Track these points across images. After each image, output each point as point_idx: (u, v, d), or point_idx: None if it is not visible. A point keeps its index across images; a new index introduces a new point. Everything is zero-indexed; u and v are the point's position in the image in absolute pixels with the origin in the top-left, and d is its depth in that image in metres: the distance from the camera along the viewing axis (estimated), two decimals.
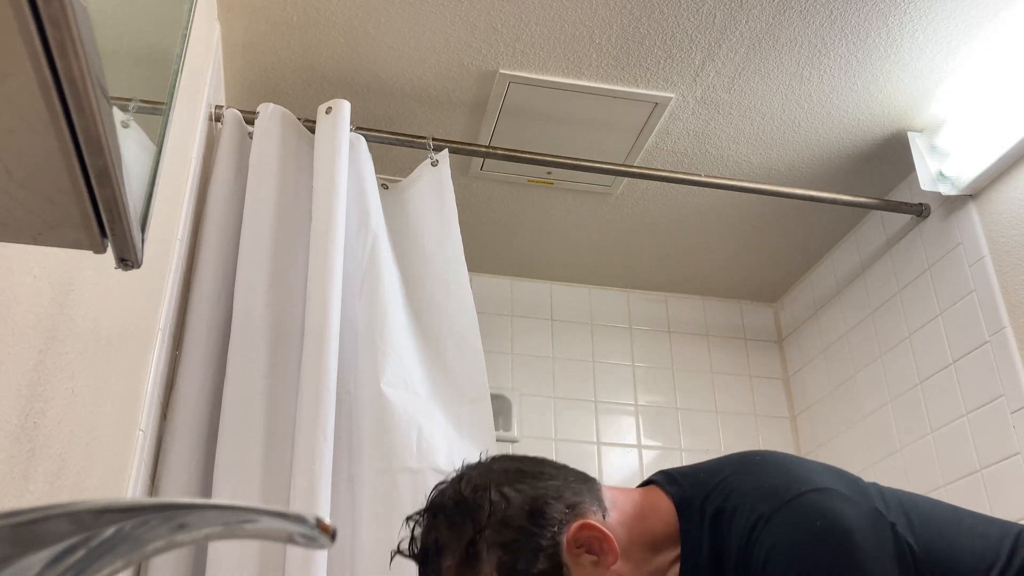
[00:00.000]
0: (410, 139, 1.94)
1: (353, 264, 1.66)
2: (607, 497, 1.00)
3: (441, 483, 1.00)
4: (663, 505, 1.00)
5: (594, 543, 0.94)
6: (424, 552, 0.95)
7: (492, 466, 0.99)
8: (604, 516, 0.97)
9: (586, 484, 1.00)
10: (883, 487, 1.00)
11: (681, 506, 0.99)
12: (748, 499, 0.94)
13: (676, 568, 0.99)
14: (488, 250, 2.60)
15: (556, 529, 0.93)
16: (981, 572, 0.92)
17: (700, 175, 2.14)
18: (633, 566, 0.96)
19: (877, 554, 0.88)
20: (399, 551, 0.98)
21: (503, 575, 0.91)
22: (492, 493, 0.94)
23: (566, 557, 0.93)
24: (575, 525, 0.94)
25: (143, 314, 1.26)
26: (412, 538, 0.98)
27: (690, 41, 1.89)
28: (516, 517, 0.93)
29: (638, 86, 2.01)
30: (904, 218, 2.31)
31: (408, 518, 0.99)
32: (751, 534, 0.90)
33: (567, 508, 0.95)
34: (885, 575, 0.87)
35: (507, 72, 1.96)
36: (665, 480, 1.04)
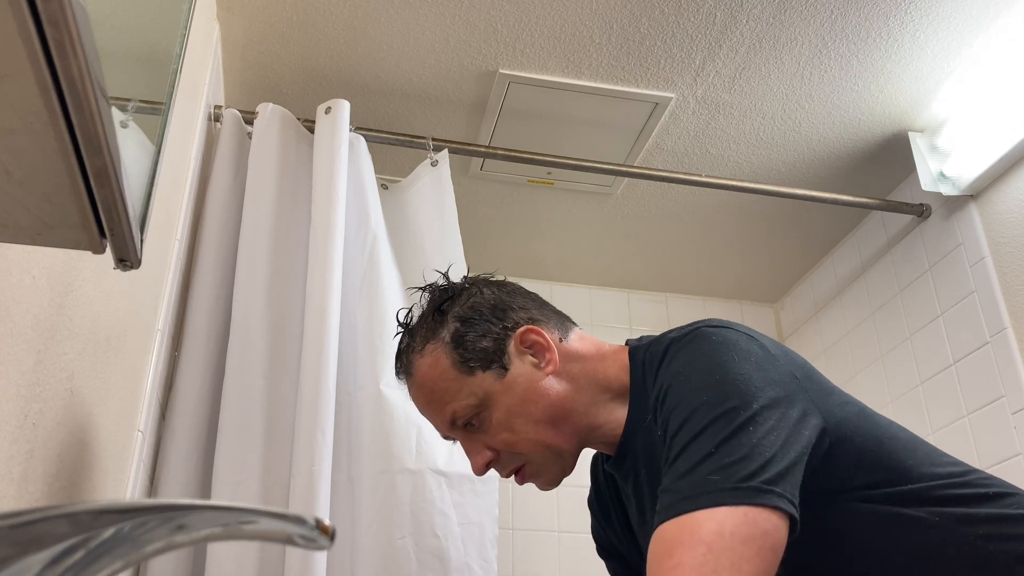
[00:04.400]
0: (410, 139, 1.94)
1: (353, 264, 1.66)
2: (576, 334, 1.13)
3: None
4: (621, 354, 1.11)
5: (537, 347, 1.08)
6: (409, 318, 1.15)
7: (490, 276, 1.18)
8: (561, 339, 1.11)
9: (559, 317, 1.15)
10: (844, 393, 1.03)
11: (632, 352, 1.10)
12: (671, 335, 1.05)
13: (620, 414, 1.08)
14: (488, 250, 2.60)
15: (509, 325, 1.09)
16: (907, 479, 0.94)
17: (700, 175, 2.14)
18: (572, 388, 1.07)
19: (770, 386, 0.91)
20: (397, 319, 1.16)
21: (453, 340, 1.08)
22: (473, 287, 1.14)
23: (511, 348, 1.08)
24: (525, 327, 1.09)
25: (142, 314, 1.26)
26: (410, 313, 1.16)
27: (690, 41, 1.89)
28: (482, 304, 1.11)
29: (638, 86, 2.01)
30: (905, 218, 2.31)
31: (417, 288, 1.19)
32: (662, 359, 1.01)
33: (528, 319, 1.10)
34: (750, 381, 0.90)
35: (507, 72, 1.96)
36: (636, 339, 1.15)
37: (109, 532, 0.36)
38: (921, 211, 2.24)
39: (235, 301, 1.58)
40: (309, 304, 1.53)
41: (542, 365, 1.08)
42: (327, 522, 0.40)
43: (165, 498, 1.34)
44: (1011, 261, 1.98)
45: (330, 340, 1.49)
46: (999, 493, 0.95)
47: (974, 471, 0.99)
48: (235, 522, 0.39)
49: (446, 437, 1.13)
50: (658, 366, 1.01)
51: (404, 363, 1.13)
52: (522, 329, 1.09)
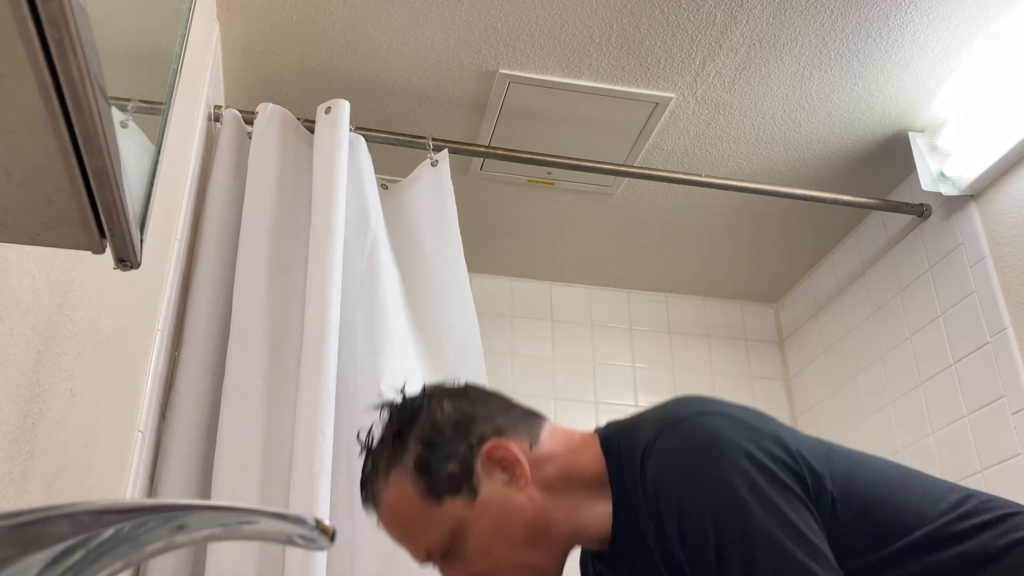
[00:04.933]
0: (410, 139, 1.94)
1: (353, 264, 1.66)
2: (546, 432, 1.07)
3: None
4: (593, 446, 1.06)
5: (506, 464, 1.02)
6: (370, 440, 1.09)
7: (447, 384, 1.11)
8: (532, 446, 1.05)
9: (528, 419, 1.08)
10: (826, 440, 1.02)
11: (604, 444, 1.05)
12: (646, 429, 1.00)
13: (602, 509, 1.04)
14: (488, 250, 2.60)
15: (474, 442, 1.03)
16: (913, 527, 0.93)
17: (700, 175, 2.14)
18: (549, 496, 1.02)
19: (752, 466, 0.90)
20: (358, 438, 1.10)
21: (417, 467, 1.02)
22: (432, 401, 1.06)
23: (479, 469, 1.01)
24: (490, 443, 1.02)
25: (142, 315, 1.26)
26: (370, 433, 1.10)
27: (690, 41, 1.89)
28: (443, 423, 1.04)
29: (638, 86, 2.01)
30: (905, 218, 2.31)
31: (375, 407, 1.12)
32: (642, 459, 0.97)
33: (493, 431, 1.04)
34: (753, 485, 0.88)
35: (507, 72, 1.96)
36: (604, 426, 1.10)
37: (109, 532, 0.36)
38: (921, 211, 2.24)
39: (235, 301, 1.58)
40: (309, 304, 1.53)
41: (514, 481, 1.01)
42: (327, 522, 0.40)
43: (165, 498, 1.34)
44: (1011, 261, 1.98)
45: (330, 340, 1.49)
46: (1002, 516, 0.94)
47: (973, 494, 0.98)
48: (235, 522, 0.39)
49: (424, 564, 1.06)
50: (640, 465, 0.97)
51: (369, 493, 1.06)
52: (488, 446, 1.02)
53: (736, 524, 0.87)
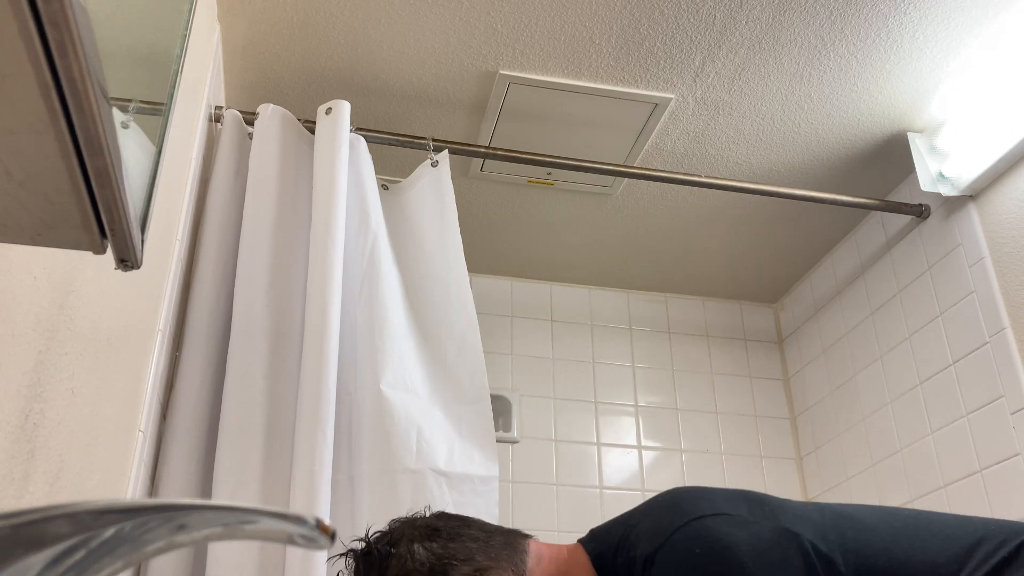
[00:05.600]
0: (410, 140, 1.94)
1: (353, 265, 1.66)
2: (533, 556, 1.01)
3: (376, 532, 1.05)
4: (584, 563, 1.01)
5: None
6: None
7: (417, 522, 1.03)
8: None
9: (509, 548, 1.01)
10: (823, 504, 0.98)
11: (597, 562, 1.00)
12: (643, 542, 0.95)
13: None
14: (488, 250, 2.60)
15: None
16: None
17: (700, 176, 2.14)
18: None
19: (768, 569, 0.87)
20: None
21: None
22: (401, 547, 0.97)
23: None
24: None
25: (143, 315, 1.26)
26: None
27: (690, 42, 1.89)
28: (417, 572, 0.95)
29: (638, 87, 2.01)
30: (904, 219, 2.31)
31: (338, 555, 1.05)
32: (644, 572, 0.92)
33: (474, 571, 0.95)
34: None
35: (507, 73, 1.96)
36: (588, 538, 1.05)
37: (110, 532, 0.36)
38: (920, 211, 2.24)
39: (236, 301, 1.58)
40: (309, 304, 1.54)
41: None
42: (327, 522, 0.40)
43: (166, 498, 1.34)
44: (1010, 261, 1.98)
45: (330, 340, 1.49)
46: (1019, 546, 0.92)
47: (981, 530, 0.95)
48: (236, 522, 0.39)
49: None
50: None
51: None
52: None
53: None
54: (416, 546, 0.97)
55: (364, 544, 1.01)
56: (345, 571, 1.02)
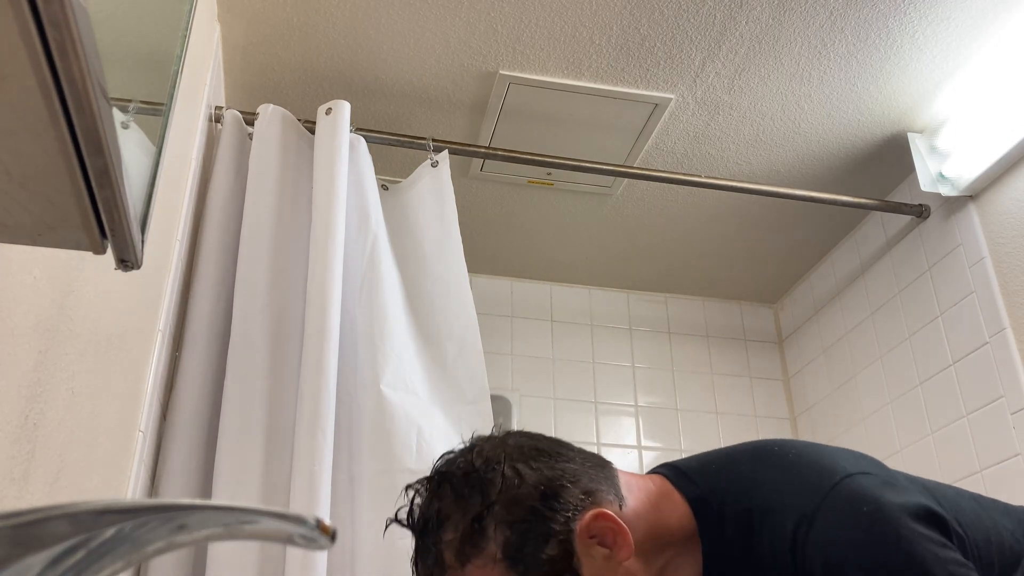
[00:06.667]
0: (410, 140, 1.94)
1: (353, 265, 1.66)
2: (624, 483, 0.94)
3: (448, 452, 0.94)
4: (677, 500, 0.94)
5: (608, 535, 0.87)
6: (424, 521, 0.90)
7: (507, 440, 0.93)
8: (621, 506, 0.90)
9: (604, 470, 0.94)
10: (902, 472, 0.96)
11: (696, 504, 0.93)
12: (780, 497, 0.88)
13: (688, 570, 0.94)
14: (488, 250, 2.60)
15: (570, 515, 0.86)
16: (1014, 554, 0.90)
17: (700, 176, 2.14)
18: (644, 563, 0.90)
19: (929, 533, 0.83)
20: (396, 519, 0.92)
21: (508, 556, 0.84)
22: (505, 468, 0.87)
23: (578, 547, 0.86)
24: (590, 513, 0.87)
25: (143, 315, 1.26)
26: (412, 507, 0.91)
27: (690, 42, 1.89)
28: (529, 496, 0.86)
29: (638, 87, 2.01)
30: (904, 219, 2.31)
31: (409, 486, 0.93)
32: (795, 536, 0.85)
33: (583, 494, 0.88)
34: (942, 555, 0.81)
35: (507, 73, 1.96)
36: (674, 475, 0.98)
37: (110, 532, 0.36)
38: (920, 212, 2.24)
39: (236, 301, 1.58)
40: (309, 304, 1.54)
41: (617, 554, 0.87)
42: (328, 522, 0.40)
43: (166, 498, 1.34)
44: (1010, 262, 1.98)
45: (330, 340, 1.49)
46: None
47: None
48: (236, 522, 0.39)
49: None
50: (792, 551, 0.85)
51: None
52: (587, 518, 0.87)
53: None
54: (521, 466, 0.88)
55: (460, 463, 0.90)
56: (409, 501, 0.90)
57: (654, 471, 1.02)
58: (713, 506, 0.92)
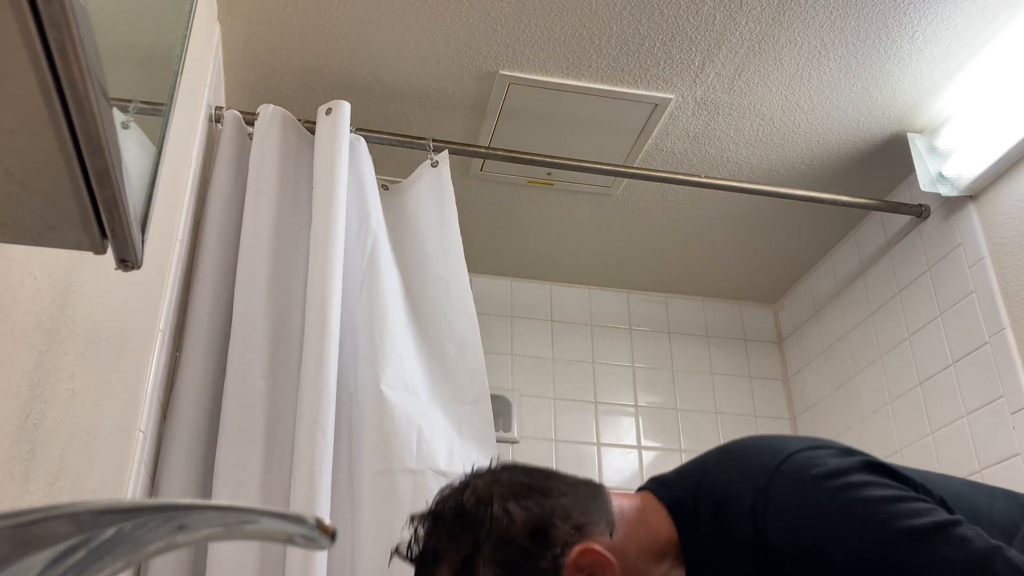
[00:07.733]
0: (410, 140, 1.94)
1: (353, 265, 1.66)
2: (615, 507, 0.97)
3: (446, 488, 0.97)
4: (660, 510, 0.98)
5: (596, 569, 0.90)
6: (422, 558, 0.93)
7: (500, 477, 0.95)
8: (612, 533, 0.93)
9: (595, 500, 0.96)
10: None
11: (674, 508, 0.97)
12: (739, 483, 0.92)
13: (677, 573, 0.96)
14: (488, 250, 2.60)
15: (559, 551, 0.89)
16: (1007, 529, 0.91)
17: (700, 176, 2.14)
18: None
19: (878, 479, 0.87)
20: (397, 552, 0.96)
21: None
22: (495, 507, 0.90)
23: None
24: (578, 549, 0.89)
25: (143, 315, 1.26)
26: (412, 540, 0.95)
27: (690, 42, 1.89)
28: (518, 535, 0.89)
29: (638, 87, 2.01)
30: (904, 219, 2.31)
31: (412, 518, 0.97)
32: (754, 514, 0.89)
33: (573, 529, 0.90)
34: (891, 494, 0.85)
35: (507, 73, 1.96)
36: (656, 486, 1.02)
37: (110, 532, 0.36)
38: (920, 212, 2.24)
39: (236, 302, 1.58)
40: (310, 304, 1.54)
41: None
42: (328, 522, 0.40)
43: (166, 498, 1.34)
44: (1010, 262, 1.98)
45: (330, 340, 1.49)
46: None
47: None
48: (236, 522, 0.39)
49: None
50: (753, 526, 0.89)
51: None
52: (575, 554, 0.89)
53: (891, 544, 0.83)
54: (511, 505, 0.90)
55: (451, 503, 0.93)
56: (420, 530, 0.93)
57: (642, 487, 1.06)
58: (688, 506, 0.96)
